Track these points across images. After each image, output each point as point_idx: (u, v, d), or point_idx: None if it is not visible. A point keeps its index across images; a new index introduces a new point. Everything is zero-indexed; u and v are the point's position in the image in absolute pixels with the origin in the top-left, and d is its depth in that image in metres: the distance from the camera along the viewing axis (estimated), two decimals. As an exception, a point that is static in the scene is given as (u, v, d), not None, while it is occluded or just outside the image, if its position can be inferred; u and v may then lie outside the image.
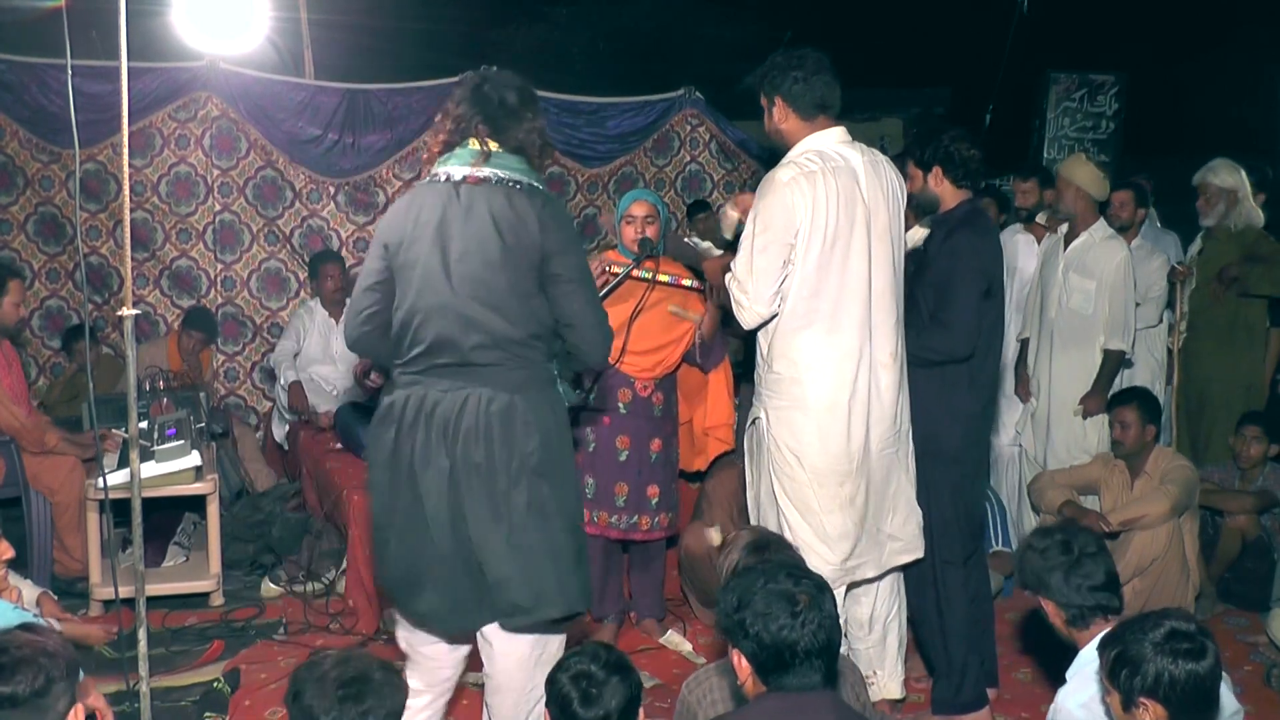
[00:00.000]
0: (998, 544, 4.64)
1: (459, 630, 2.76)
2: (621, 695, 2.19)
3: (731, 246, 3.41)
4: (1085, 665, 2.47)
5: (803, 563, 2.46)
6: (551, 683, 2.24)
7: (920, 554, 3.33)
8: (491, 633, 2.68)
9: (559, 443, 2.64)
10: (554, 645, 2.73)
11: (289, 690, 2.18)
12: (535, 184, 2.64)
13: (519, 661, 2.69)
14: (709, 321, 3.93)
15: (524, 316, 2.58)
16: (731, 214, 3.51)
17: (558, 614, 2.61)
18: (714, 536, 4.02)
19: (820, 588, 2.07)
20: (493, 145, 2.62)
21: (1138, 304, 4.70)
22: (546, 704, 2.25)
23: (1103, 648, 2.23)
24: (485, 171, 2.60)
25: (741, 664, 2.08)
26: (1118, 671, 2.13)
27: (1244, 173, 5.13)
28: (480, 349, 2.57)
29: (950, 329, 3.33)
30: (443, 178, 2.63)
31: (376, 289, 2.69)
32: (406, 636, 2.86)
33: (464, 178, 2.60)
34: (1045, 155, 7.21)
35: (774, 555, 2.43)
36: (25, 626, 2.30)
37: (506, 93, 2.65)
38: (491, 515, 2.55)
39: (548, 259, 2.58)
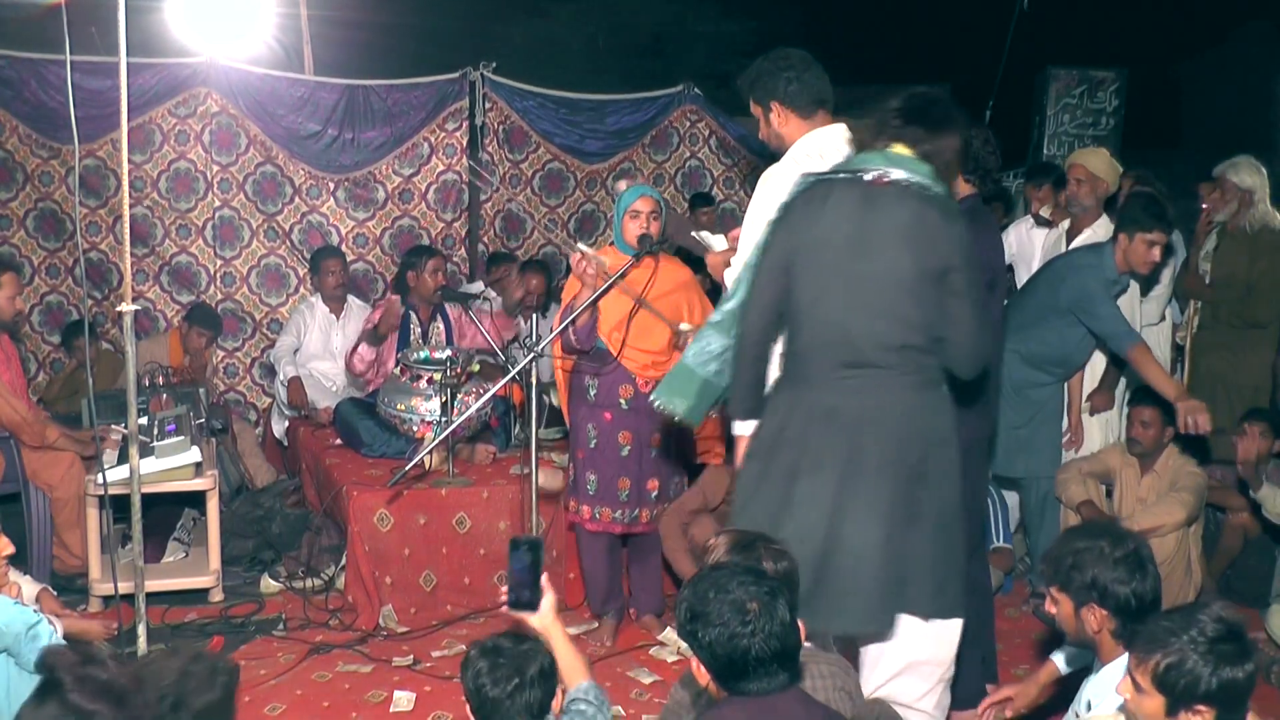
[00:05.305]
0: (998, 540, 4.64)
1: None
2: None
3: None
4: (1112, 683, 2.38)
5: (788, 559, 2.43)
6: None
7: None
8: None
9: (941, 448, 2.67)
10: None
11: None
12: (943, 192, 2.64)
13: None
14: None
15: (921, 322, 2.59)
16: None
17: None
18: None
19: (773, 593, 2.05)
20: (904, 150, 2.65)
21: (1140, 301, 4.68)
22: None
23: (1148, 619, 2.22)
24: (896, 174, 2.61)
25: (700, 670, 2.10)
26: (1150, 645, 2.11)
27: (1265, 173, 5.06)
28: (878, 351, 2.61)
29: None
30: (849, 176, 2.65)
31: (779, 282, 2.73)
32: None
33: (874, 178, 2.62)
34: (1045, 152, 7.18)
35: (760, 552, 2.39)
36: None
37: (932, 105, 2.71)
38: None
39: (947, 271, 2.58)
